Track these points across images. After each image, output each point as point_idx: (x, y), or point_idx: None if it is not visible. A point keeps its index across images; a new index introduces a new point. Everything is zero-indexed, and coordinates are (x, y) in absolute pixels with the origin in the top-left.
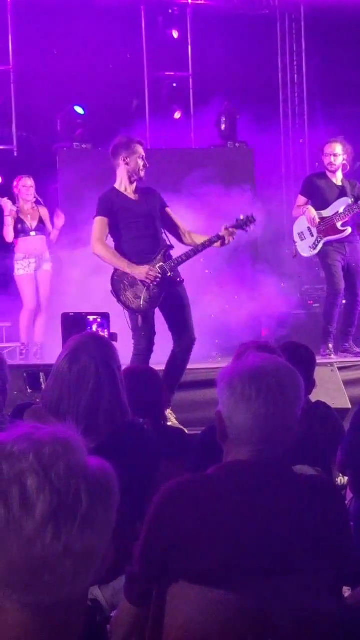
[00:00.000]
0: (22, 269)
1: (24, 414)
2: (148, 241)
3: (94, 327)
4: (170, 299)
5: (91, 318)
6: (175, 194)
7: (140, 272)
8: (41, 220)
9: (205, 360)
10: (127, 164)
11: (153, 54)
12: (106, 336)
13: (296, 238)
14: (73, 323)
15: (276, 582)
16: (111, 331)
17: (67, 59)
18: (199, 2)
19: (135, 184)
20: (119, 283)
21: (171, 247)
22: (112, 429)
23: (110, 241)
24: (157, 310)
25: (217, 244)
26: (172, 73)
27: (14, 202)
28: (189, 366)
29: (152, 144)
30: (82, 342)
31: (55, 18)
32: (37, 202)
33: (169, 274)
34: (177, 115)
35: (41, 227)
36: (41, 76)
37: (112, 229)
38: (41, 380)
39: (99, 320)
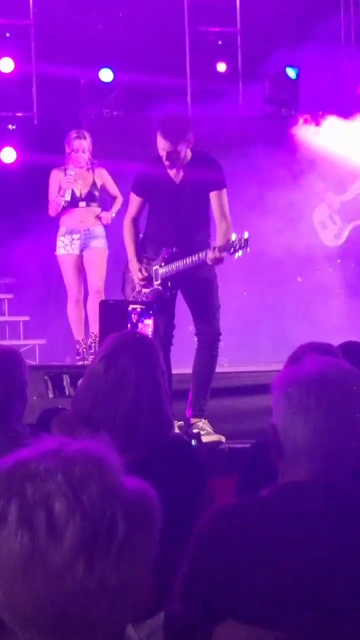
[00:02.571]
0: (62, 247)
1: (52, 422)
2: (173, 232)
3: (145, 322)
4: (189, 284)
5: (131, 307)
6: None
7: (133, 268)
8: (95, 187)
9: (254, 362)
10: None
11: (195, 6)
12: (149, 330)
13: None
14: (113, 313)
15: (340, 624)
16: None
17: (96, 12)
18: None
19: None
20: (127, 273)
21: (176, 251)
22: (152, 445)
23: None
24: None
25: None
26: (218, 29)
27: (65, 163)
28: (230, 369)
29: (194, 111)
30: (121, 341)
31: None
32: (91, 164)
33: (156, 283)
34: (222, 67)
35: (93, 197)
36: (66, 32)
37: (145, 207)
38: (64, 383)
39: (138, 309)
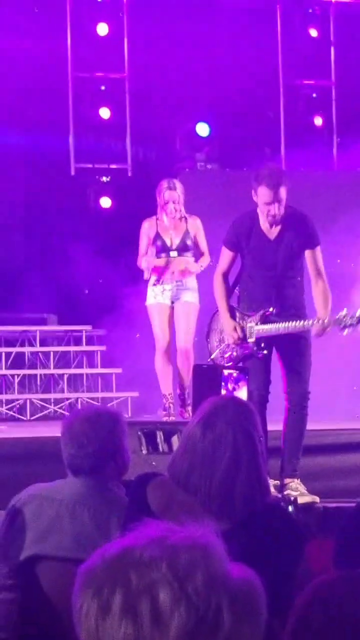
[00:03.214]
0: (153, 296)
1: (147, 487)
2: (266, 291)
3: (230, 386)
4: (285, 342)
5: (226, 372)
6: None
7: (226, 325)
8: (188, 237)
9: (346, 418)
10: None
11: (289, 60)
12: (244, 394)
13: None
14: (206, 377)
15: None
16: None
17: (189, 65)
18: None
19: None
20: (216, 322)
21: (276, 311)
22: (249, 510)
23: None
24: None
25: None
26: (312, 81)
27: (154, 212)
28: (322, 426)
29: (288, 165)
30: (218, 405)
31: (176, 19)
32: (184, 214)
33: (250, 340)
34: (319, 121)
35: (186, 246)
36: (160, 85)
37: (236, 261)
38: (158, 439)
39: (233, 375)
